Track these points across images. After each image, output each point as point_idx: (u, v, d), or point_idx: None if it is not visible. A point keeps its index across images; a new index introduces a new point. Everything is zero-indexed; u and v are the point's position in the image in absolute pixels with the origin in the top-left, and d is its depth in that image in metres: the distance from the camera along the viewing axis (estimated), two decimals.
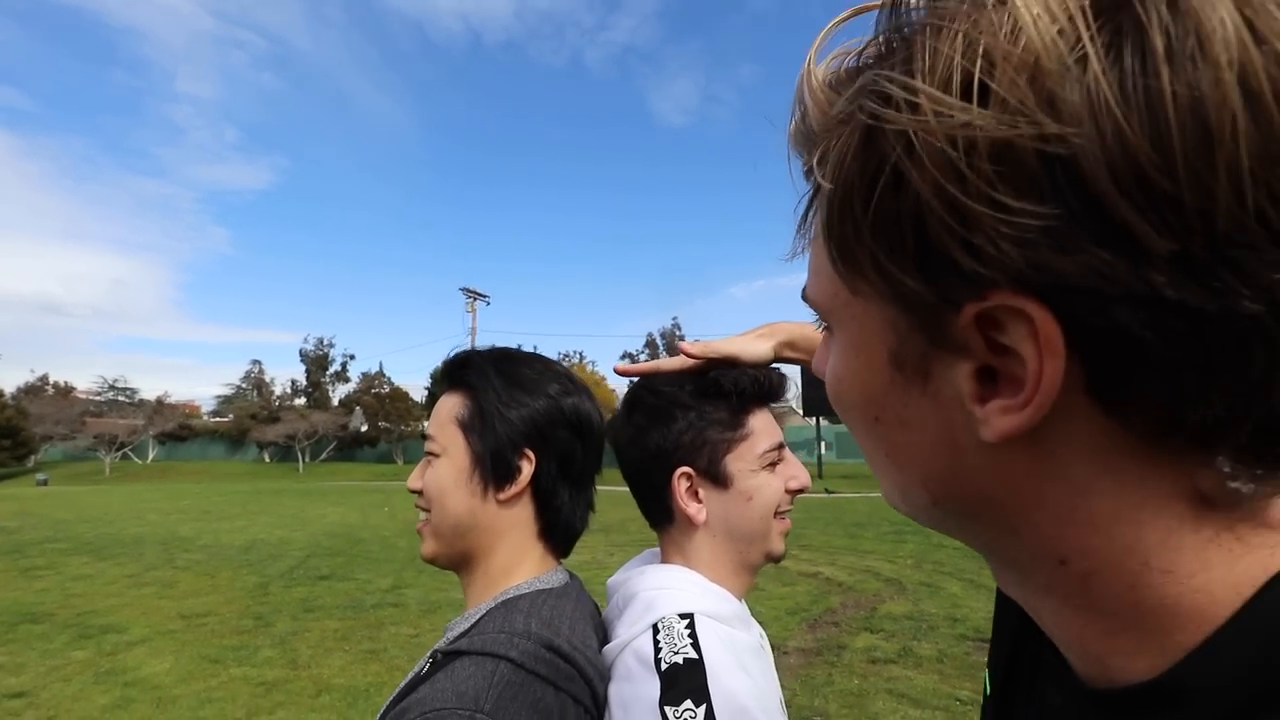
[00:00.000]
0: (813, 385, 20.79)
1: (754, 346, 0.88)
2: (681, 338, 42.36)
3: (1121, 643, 0.29)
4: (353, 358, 55.33)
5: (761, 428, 0.87)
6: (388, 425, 42.10)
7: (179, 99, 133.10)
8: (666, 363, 0.89)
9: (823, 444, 28.98)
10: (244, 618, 6.17)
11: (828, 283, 0.33)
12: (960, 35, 0.24)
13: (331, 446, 44.00)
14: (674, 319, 52.15)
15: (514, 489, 0.82)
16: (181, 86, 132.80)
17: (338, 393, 53.55)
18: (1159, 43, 0.20)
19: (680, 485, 0.84)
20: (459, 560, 0.85)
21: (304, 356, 53.66)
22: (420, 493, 0.86)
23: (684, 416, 0.85)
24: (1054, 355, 0.24)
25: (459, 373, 0.89)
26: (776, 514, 0.87)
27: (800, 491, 0.89)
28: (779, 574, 7.35)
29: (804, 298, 0.38)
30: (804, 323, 0.89)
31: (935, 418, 0.30)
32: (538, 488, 0.84)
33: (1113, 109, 0.21)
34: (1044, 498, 0.29)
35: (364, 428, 44.65)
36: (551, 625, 0.74)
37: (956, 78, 0.23)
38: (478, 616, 0.78)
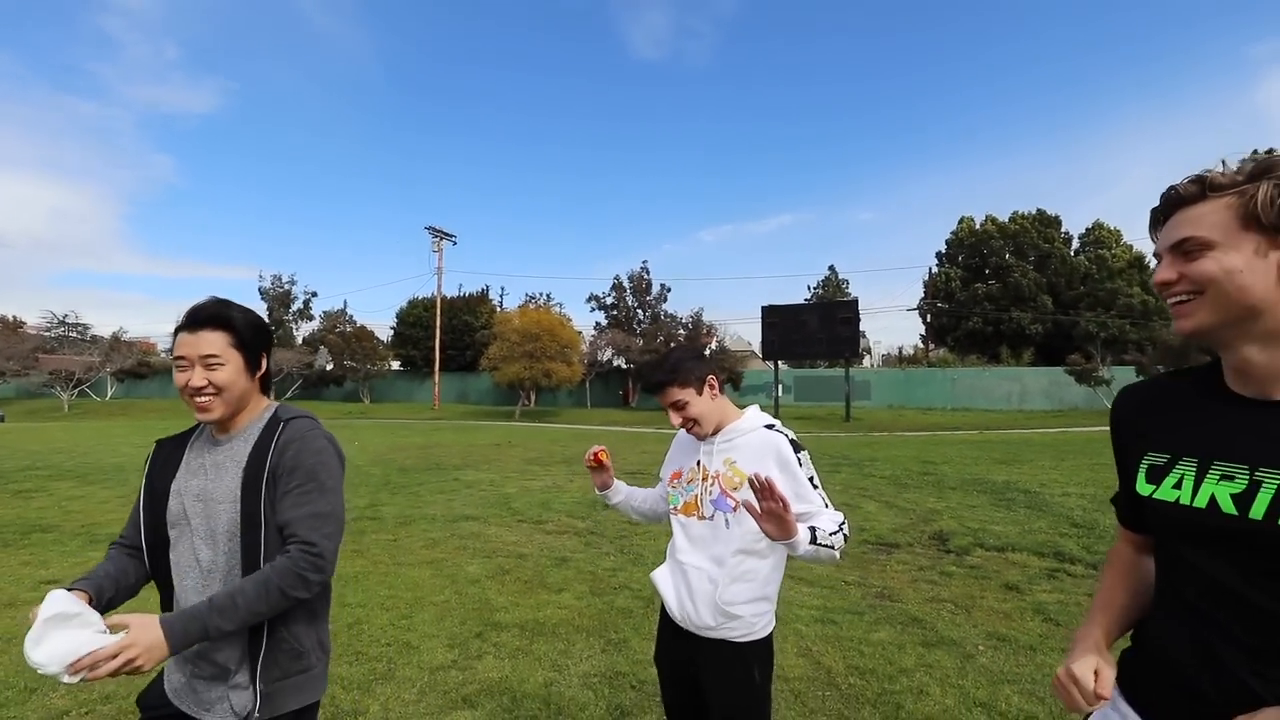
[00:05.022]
0: (772, 330, 21.67)
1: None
2: (649, 282, 42.16)
3: None
4: (315, 295, 54.59)
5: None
6: (353, 364, 42.09)
7: (111, 9, 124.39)
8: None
9: (780, 386, 30.21)
10: None
11: (1220, 227, 0.92)
12: None
13: (297, 385, 43.94)
14: (644, 262, 52.40)
15: (260, 371, 1.63)
16: None
17: (301, 331, 53.03)
18: None
19: (717, 382, 1.85)
20: (235, 411, 1.56)
21: (264, 294, 52.77)
22: (209, 385, 1.49)
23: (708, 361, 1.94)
24: None
25: (223, 317, 1.54)
26: None
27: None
28: None
29: (1188, 240, 0.95)
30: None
31: (1270, 273, 0.88)
32: (266, 370, 1.63)
33: None
34: (1256, 310, 0.91)
35: (329, 366, 44.56)
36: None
37: None
38: (268, 416, 1.61)
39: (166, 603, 1.54)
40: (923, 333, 46.73)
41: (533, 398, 37.64)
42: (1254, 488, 0.92)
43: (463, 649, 3.79)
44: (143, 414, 37.30)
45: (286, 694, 1.49)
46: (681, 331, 38.39)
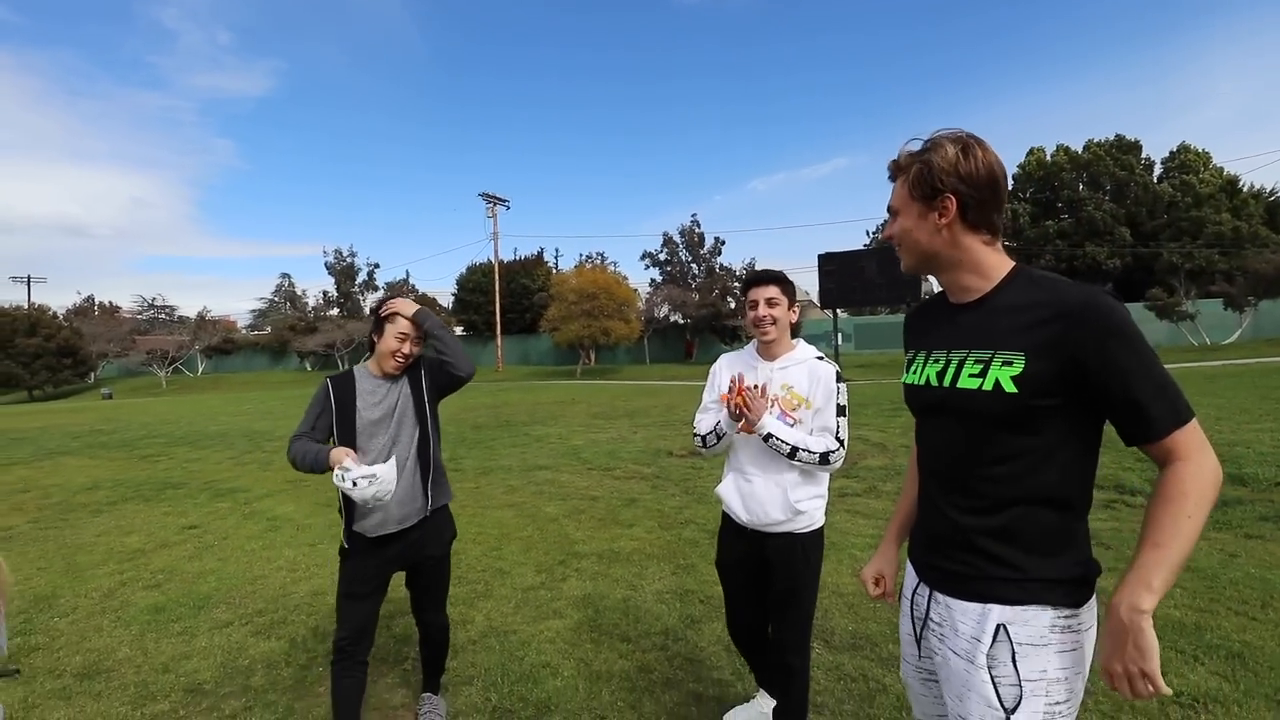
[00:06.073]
0: (830, 278, 21.13)
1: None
2: (701, 234, 41.92)
3: (978, 283, 1.29)
4: (378, 266, 56.49)
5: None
6: None
7: (166, 0, 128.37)
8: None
9: (839, 335, 29.81)
10: None
11: (899, 198, 1.32)
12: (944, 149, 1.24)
13: (367, 356, 45.89)
14: (693, 215, 52.16)
15: None
16: None
17: (368, 302, 55.13)
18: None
19: (797, 313, 2.21)
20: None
21: (330, 269, 54.97)
22: (413, 353, 2.48)
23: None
24: (953, 205, 1.25)
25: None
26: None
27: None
28: None
29: (889, 208, 1.36)
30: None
31: (931, 228, 1.28)
32: None
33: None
34: (962, 247, 1.28)
35: None
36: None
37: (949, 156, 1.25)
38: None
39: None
40: None
41: (592, 356, 38.37)
42: (947, 365, 1.30)
43: (549, 573, 4.27)
44: (231, 387, 39.95)
45: (438, 495, 2.52)
46: (737, 284, 38.15)
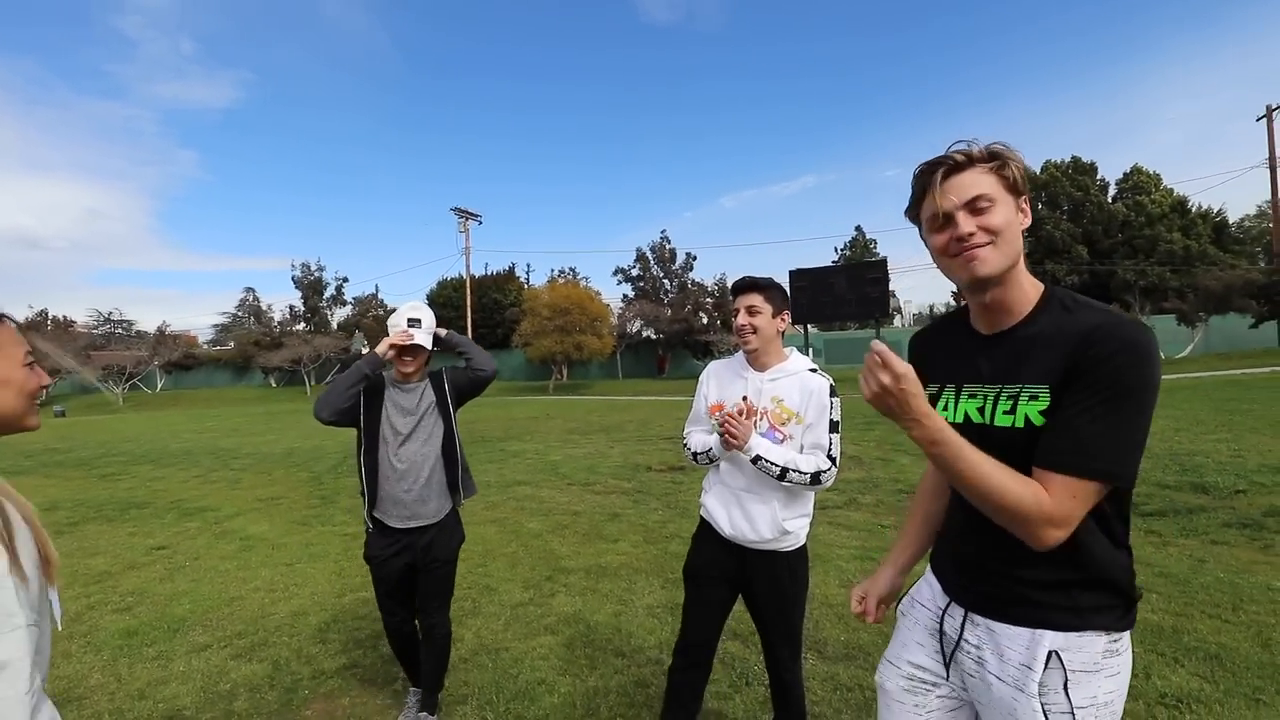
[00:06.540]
0: (801, 294, 21.53)
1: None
2: (672, 250, 42.15)
3: (1019, 305, 1.24)
4: (346, 280, 55.56)
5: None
6: None
7: (127, 8, 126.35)
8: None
9: (810, 350, 30.20)
10: (311, 499, 7.44)
11: (995, 189, 1.18)
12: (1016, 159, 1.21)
13: (336, 369, 45.11)
14: (663, 231, 52.63)
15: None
16: None
17: (336, 316, 54.21)
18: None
19: (786, 321, 2.15)
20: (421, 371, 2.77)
21: (297, 283, 53.93)
22: (418, 357, 2.69)
23: (788, 301, 2.26)
24: (1029, 209, 1.23)
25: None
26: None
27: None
28: None
29: (980, 197, 1.17)
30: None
31: (1019, 228, 1.20)
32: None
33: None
34: (1019, 255, 1.20)
35: (365, 349, 45.57)
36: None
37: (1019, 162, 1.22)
38: (428, 374, 2.58)
39: (371, 451, 2.62)
40: (954, 290, 46.03)
41: (565, 371, 38.21)
42: (985, 399, 1.25)
43: (537, 589, 4.23)
44: (192, 404, 38.82)
45: (465, 490, 2.81)
46: (709, 300, 38.46)
